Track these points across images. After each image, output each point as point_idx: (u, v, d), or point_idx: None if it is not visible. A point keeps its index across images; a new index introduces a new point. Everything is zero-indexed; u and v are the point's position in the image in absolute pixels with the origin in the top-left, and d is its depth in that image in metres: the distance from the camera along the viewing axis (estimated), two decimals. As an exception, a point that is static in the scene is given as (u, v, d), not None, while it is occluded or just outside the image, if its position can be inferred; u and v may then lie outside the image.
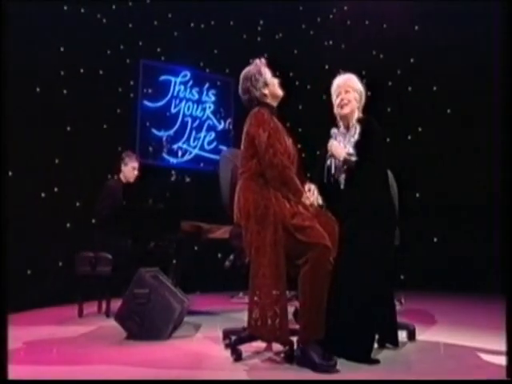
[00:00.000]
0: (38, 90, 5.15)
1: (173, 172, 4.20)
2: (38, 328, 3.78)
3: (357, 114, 3.03)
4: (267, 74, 2.92)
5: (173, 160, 6.61)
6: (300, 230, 2.54)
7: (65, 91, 5.44)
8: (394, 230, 3.05)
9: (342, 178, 2.94)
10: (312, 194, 2.75)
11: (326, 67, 7.57)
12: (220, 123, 7.00)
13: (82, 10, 5.66)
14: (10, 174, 4.78)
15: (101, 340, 3.26)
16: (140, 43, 6.43)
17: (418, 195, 6.68)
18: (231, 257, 2.82)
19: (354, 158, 2.87)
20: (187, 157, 6.72)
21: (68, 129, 5.45)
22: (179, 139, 6.67)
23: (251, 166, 2.70)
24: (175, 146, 6.64)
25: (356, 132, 2.97)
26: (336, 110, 3.07)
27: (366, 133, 2.93)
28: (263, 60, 2.98)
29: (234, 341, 2.72)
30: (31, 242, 4.90)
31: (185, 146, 6.71)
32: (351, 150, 2.91)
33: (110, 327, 3.45)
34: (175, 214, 3.95)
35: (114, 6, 6.04)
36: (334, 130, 3.07)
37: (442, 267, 6.28)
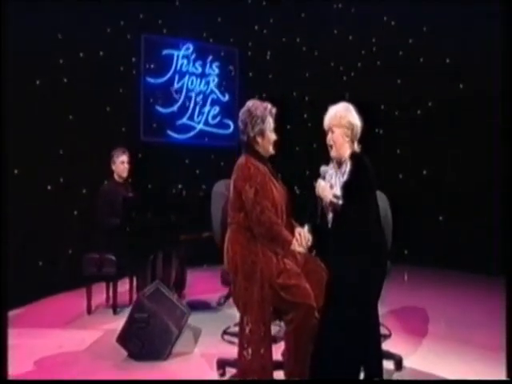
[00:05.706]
0: (37, 82, 5.07)
1: (180, 186, 4.20)
2: (46, 334, 4.01)
3: (349, 149, 2.96)
4: (269, 124, 2.81)
5: (177, 136, 6.58)
6: (285, 288, 2.61)
7: (65, 80, 5.35)
8: (384, 268, 3.08)
9: (330, 217, 2.94)
10: (303, 239, 2.76)
11: (335, 32, 7.27)
12: (224, 96, 6.88)
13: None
14: (16, 171, 4.85)
15: (104, 360, 3.45)
16: (141, 16, 6.23)
17: (425, 172, 6.61)
18: (222, 300, 2.91)
19: (340, 202, 2.85)
20: (192, 133, 6.69)
21: (70, 117, 5.42)
22: (183, 115, 6.61)
23: (239, 219, 2.72)
24: (179, 122, 6.59)
25: (346, 170, 2.93)
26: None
27: (355, 173, 2.89)
28: (274, 110, 2.84)
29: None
30: (41, 232, 5.05)
31: (189, 122, 6.66)
32: (338, 192, 2.87)
33: (115, 335, 3.58)
34: (174, 228, 4.02)
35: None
36: (323, 168, 3.00)
37: (445, 245, 6.35)
